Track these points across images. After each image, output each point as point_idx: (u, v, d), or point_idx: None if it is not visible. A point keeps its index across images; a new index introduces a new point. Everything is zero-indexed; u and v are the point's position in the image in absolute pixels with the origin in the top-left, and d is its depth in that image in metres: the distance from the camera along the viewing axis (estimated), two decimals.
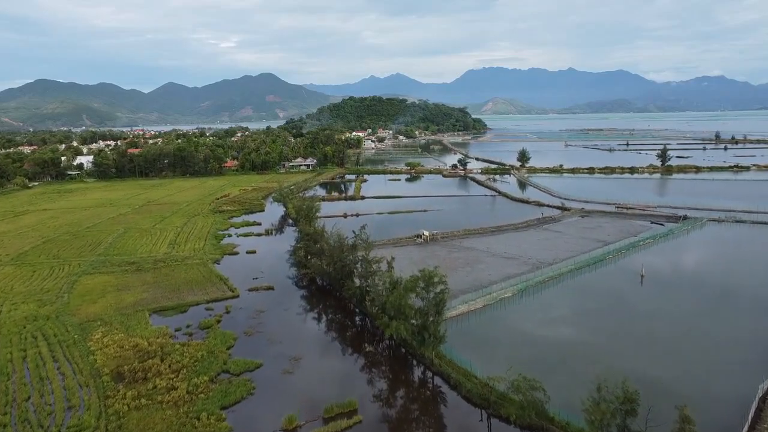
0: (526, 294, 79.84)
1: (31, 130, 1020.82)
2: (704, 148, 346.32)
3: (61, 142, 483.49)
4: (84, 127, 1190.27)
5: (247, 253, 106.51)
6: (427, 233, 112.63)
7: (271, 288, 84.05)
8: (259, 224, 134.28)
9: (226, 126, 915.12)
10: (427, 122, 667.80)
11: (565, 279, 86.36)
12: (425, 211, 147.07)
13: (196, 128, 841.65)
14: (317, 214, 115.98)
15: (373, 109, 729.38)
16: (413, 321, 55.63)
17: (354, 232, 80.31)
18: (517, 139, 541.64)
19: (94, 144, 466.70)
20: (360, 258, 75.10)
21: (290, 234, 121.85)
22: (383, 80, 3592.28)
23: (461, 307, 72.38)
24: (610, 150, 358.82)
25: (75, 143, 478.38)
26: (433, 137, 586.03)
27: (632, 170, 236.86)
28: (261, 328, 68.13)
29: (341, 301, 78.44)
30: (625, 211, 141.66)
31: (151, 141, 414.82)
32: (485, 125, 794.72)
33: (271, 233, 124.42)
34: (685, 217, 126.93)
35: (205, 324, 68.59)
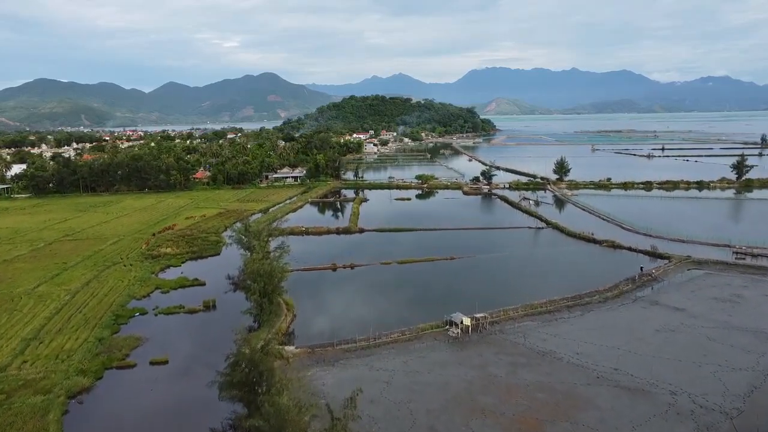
0: None
1: (28, 129, 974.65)
2: (760, 154, 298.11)
3: (34, 145, 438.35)
4: (82, 127, 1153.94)
5: (150, 363, 59.79)
6: (465, 320, 65.89)
7: None
8: (203, 284, 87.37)
9: (219, 126, 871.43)
10: (433, 123, 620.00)
11: None
12: (452, 258, 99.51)
13: (191, 128, 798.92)
14: (282, 282, 69.82)
15: (376, 108, 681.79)
16: None
17: (328, 407, 33.59)
18: (534, 141, 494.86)
19: (65, 147, 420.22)
20: None
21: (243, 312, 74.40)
22: (386, 80, 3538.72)
23: None
24: (648, 156, 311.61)
25: (45, 146, 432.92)
26: (440, 140, 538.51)
27: (700, 185, 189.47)
28: None
29: None
30: (749, 259, 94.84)
31: (126, 144, 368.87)
32: (494, 126, 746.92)
33: (212, 307, 77.24)
34: None
35: None
